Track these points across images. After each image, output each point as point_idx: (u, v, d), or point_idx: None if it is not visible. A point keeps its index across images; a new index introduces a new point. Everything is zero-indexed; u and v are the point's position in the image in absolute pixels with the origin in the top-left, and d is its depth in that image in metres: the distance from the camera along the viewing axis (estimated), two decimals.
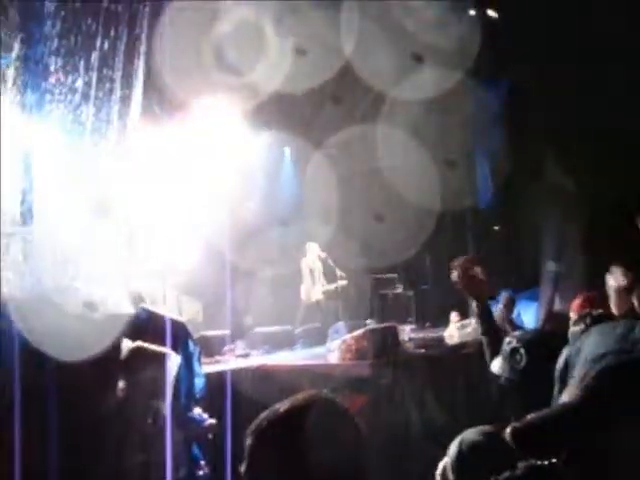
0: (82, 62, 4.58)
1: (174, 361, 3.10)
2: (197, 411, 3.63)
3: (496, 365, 2.44)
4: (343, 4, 9.32)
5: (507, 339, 2.49)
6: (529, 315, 10.55)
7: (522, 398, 2.25)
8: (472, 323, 10.40)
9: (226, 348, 8.02)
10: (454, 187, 11.55)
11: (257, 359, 7.65)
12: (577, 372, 1.62)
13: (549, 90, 10.14)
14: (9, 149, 4.36)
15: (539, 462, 1.28)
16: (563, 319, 4.36)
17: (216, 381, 5.20)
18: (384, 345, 7.14)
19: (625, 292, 3.90)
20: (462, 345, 8.79)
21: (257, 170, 11.84)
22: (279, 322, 9.98)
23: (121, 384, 2.94)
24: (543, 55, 9.79)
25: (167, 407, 2.94)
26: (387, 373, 6.65)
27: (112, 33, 4.79)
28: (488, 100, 11.59)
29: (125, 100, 4.88)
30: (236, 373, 6.21)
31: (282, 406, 1.36)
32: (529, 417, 1.29)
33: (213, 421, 3.71)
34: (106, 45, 4.70)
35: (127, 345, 3.08)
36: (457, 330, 10.24)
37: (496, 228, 12.95)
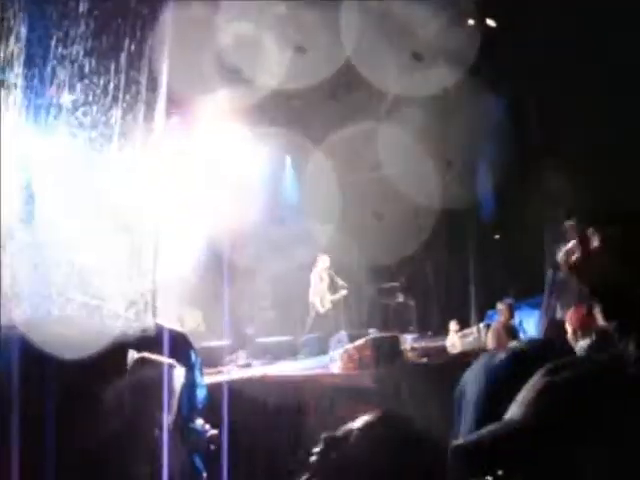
0: (87, 65, 4.59)
1: (179, 372, 3.09)
2: (199, 422, 3.62)
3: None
4: (343, 4, 9.33)
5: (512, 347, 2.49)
6: (531, 323, 10.53)
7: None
8: (474, 332, 10.41)
9: (228, 358, 8.01)
10: (455, 194, 11.54)
11: (259, 369, 7.64)
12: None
13: (548, 97, 10.16)
14: (15, 157, 4.37)
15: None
16: (565, 327, 4.36)
17: (218, 392, 5.19)
18: (386, 354, 7.14)
19: None
20: (464, 354, 8.79)
21: (258, 173, 11.80)
22: (281, 332, 9.98)
23: (126, 395, 2.94)
24: (542, 64, 9.82)
25: (170, 418, 2.94)
26: (389, 382, 6.63)
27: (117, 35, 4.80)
28: (488, 106, 11.61)
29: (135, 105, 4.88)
30: (238, 383, 6.20)
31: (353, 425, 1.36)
32: (477, 434, 1.25)
33: (215, 432, 3.70)
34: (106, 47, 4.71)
35: (132, 356, 3.08)
36: (459, 339, 10.24)
37: (497, 237, 12.95)
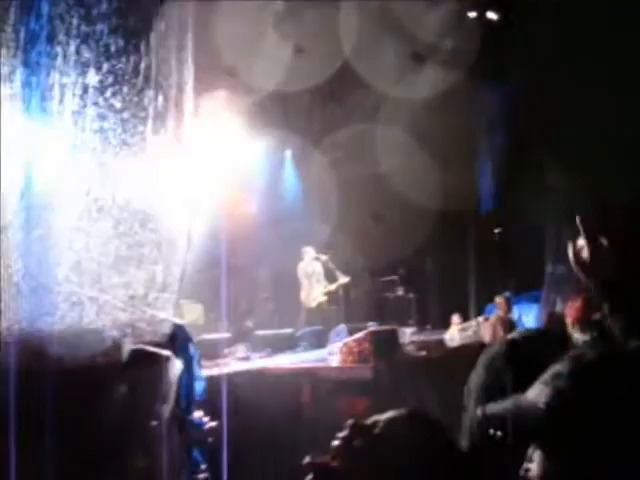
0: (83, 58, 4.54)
1: (175, 364, 3.09)
2: (197, 414, 3.62)
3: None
4: (343, 4, 9.30)
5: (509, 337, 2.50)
6: (530, 317, 10.54)
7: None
8: (473, 325, 10.42)
9: (227, 351, 8.01)
10: (454, 188, 11.53)
11: (258, 362, 7.64)
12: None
13: (549, 91, 10.14)
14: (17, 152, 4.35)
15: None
16: (564, 321, 4.36)
17: (217, 384, 5.19)
18: (385, 347, 7.14)
19: None
20: (463, 347, 8.80)
21: (258, 171, 11.83)
22: (280, 325, 9.98)
23: (122, 387, 2.94)
24: (543, 56, 9.79)
25: (167, 409, 2.93)
26: (388, 375, 6.64)
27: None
28: (488, 101, 11.59)
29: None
30: (237, 376, 6.20)
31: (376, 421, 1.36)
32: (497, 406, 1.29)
33: (213, 424, 3.70)
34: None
35: (128, 348, 3.08)
36: (458, 332, 10.25)
37: (496, 230, 12.94)
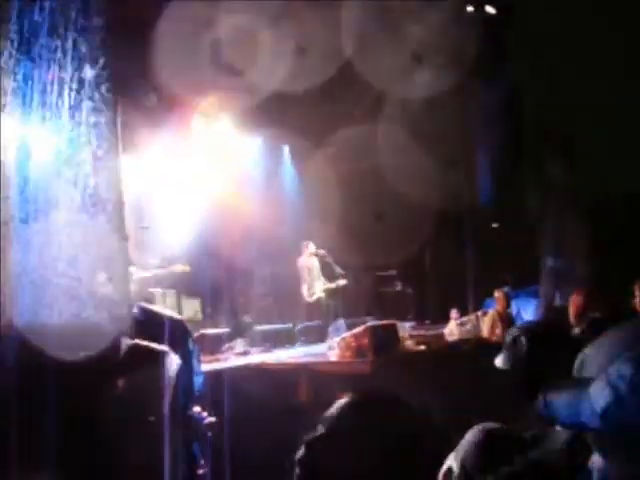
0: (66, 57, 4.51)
1: (173, 359, 3.08)
2: (196, 409, 3.61)
3: (499, 359, 2.46)
4: (343, 4, 9.30)
5: (509, 331, 2.51)
6: (529, 312, 10.56)
7: (524, 385, 2.26)
8: (472, 320, 10.43)
9: (226, 346, 8.02)
10: (453, 185, 11.55)
11: (257, 357, 7.64)
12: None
13: (548, 88, 10.14)
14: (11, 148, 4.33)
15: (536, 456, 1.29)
16: (563, 315, 4.37)
17: (215, 379, 5.20)
18: (384, 342, 7.14)
19: None
20: (462, 342, 8.81)
21: (256, 169, 11.84)
22: (279, 320, 9.99)
23: (120, 382, 2.93)
24: (542, 53, 9.78)
25: (165, 405, 2.93)
26: (387, 370, 6.64)
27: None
28: (488, 99, 11.59)
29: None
30: (236, 371, 6.21)
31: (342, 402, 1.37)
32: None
33: (212, 419, 3.69)
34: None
35: (125, 343, 3.07)
36: (457, 327, 10.26)
37: (495, 225, 12.95)
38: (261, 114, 10.84)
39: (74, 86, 4.30)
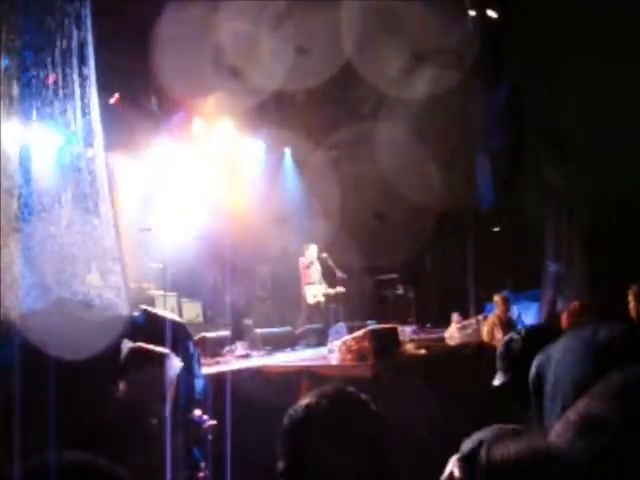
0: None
1: (174, 362, 3.08)
2: (197, 413, 3.61)
3: (496, 379, 2.46)
4: (343, 4, 9.30)
5: (503, 340, 2.52)
6: (530, 316, 10.54)
7: (518, 392, 2.27)
8: (472, 324, 10.41)
9: (226, 349, 8.01)
10: (454, 187, 11.54)
11: (258, 360, 7.63)
12: (549, 384, 1.71)
13: (549, 90, 10.14)
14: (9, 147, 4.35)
15: None
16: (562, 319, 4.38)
17: (216, 382, 5.19)
18: (384, 346, 7.13)
19: None
20: (462, 346, 8.79)
21: (257, 171, 11.85)
22: (280, 323, 9.98)
23: (122, 385, 2.93)
24: (543, 55, 9.79)
25: (167, 408, 2.93)
26: (387, 374, 6.63)
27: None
28: (488, 100, 11.59)
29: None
30: (236, 374, 6.20)
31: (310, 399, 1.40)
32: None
33: (213, 422, 3.70)
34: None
35: (127, 346, 3.07)
36: (458, 331, 10.24)
37: (496, 229, 12.94)
38: (262, 115, 10.85)
39: (67, 86, 4.31)
